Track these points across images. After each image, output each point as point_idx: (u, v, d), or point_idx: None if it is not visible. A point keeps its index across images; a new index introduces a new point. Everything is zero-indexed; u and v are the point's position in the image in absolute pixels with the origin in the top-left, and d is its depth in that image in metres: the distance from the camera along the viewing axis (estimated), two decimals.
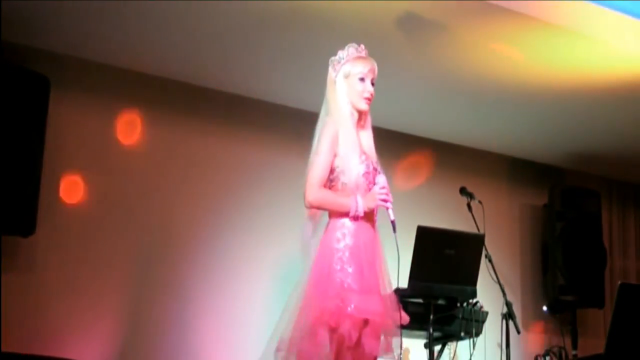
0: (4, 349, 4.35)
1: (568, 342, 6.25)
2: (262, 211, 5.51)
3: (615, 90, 5.45)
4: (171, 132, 5.41)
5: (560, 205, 6.53)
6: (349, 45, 3.53)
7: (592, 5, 4.83)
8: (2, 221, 4.42)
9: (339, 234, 3.33)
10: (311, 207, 3.37)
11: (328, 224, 3.40)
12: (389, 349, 3.28)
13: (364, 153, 3.44)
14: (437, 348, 4.91)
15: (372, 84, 3.51)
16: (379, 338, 3.24)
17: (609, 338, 4.46)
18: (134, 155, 5.27)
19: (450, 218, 5.35)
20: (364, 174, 3.39)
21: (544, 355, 5.82)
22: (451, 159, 6.41)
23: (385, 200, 3.36)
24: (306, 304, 3.24)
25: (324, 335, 3.17)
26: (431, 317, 4.60)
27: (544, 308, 6.54)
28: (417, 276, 4.59)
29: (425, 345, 4.76)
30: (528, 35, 4.83)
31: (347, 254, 3.28)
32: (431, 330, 4.63)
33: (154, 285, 5.17)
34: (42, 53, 4.92)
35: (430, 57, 5.13)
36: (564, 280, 6.37)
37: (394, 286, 3.41)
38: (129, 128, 5.28)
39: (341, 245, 3.31)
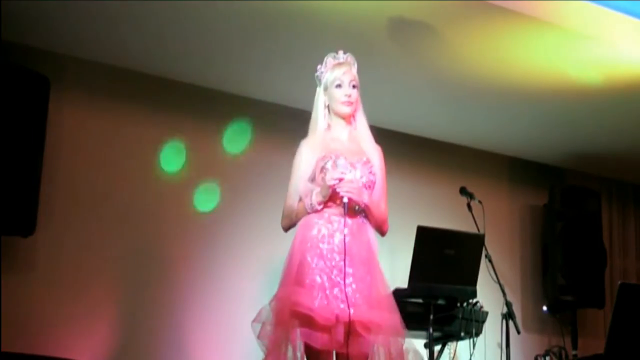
0: (4, 349, 4.34)
1: (568, 342, 6.25)
2: (262, 209, 5.50)
3: (616, 90, 5.45)
4: (171, 132, 5.41)
5: (560, 205, 6.52)
6: (327, 55, 3.53)
7: (593, 5, 4.83)
8: (2, 221, 4.42)
9: (300, 230, 3.36)
10: (287, 231, 3.45)
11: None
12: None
13: (326, 157, 3.36)
14: (437, 348, 4.91)
15: (354, 87, 3.46)
16: (322, 332, 3.17)
17: (609, 338, 4.45)
18: (133, 155, 5.27)
19: (450, 218, 5.35)
20: (321, 171, 3.34)
21: (544, 355, 5.82)
22: (451, 159, 6.41)
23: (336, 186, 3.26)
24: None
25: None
26: (431, 317, 4.61)
27: (544, 308, 6.53)
28: (417, 276, 4.60)
29: (425, 345, 4.76)
30: (528, 35, 4.83)
31: (303, 247, 3.29)
32: (431, 330, 4.63)
33: (154, 284, 5.17)
34: (42, 53, 4.92)
35: (430, 57, 5.13)
36: (564, 280, 6.37)
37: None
38: (129, 128, 5.28)
39: (297, 241, 3.34)
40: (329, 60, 3.51)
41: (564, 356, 5.84)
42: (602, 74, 5.27)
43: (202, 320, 5.25)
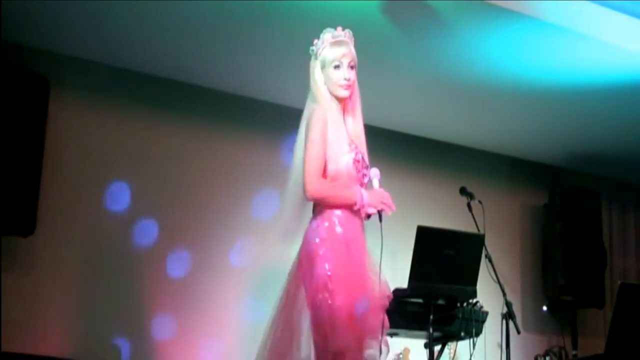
0: (4, 349, 4.35)
1: (568, 342, 6.25)
2: (261, 208, 5.48)
3: (616, 90, 5.45)
4: (170, 132, 5.41)
5: (560, 205, 6.52)
6: (325, 30, 3.37)
7: (593, 5, 4.84)
8: (2, 221, 4.43)
9: (326, 224, 3.19)
10: (313, 199, 3.22)
11: (318, 213, 3.24)
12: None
13: (353, 142, 3.30)
14: (437, 348, 4.91)
15: (352, 68, 3.33)
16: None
17: (609, 338, 4.45)
18: (133, 156, 5.27)
19: (450, 218, 5.35)
20: (353, 162, 3.25)
21: (544, 355, 5.82)
22: (451, 159, 6.41)
23: (384, 209, 3.25)
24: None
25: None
26: (431, 317, 4.60)
27: (544, 308, 6.54)
28: (417, 276, 4.60)
29: (425, 345, 4.76)
30: (528, 35, 4.83)
31: (336, 245, 3.16)
32: (431, 330, 4.62)
33: (154, 284, 5.17)
34: (42, 53, 4.93)
35: (430, 57, 5.13)
36: (564, 280, 6.37)
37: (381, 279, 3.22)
38: (129, 128, 5.28)
39: (329, 234, 3.18)
40: (327, 36, 3.35)
41: (564, 356, 5.85)
42: (602, 74, 5.28)
43: (202, 320, 5.26)
